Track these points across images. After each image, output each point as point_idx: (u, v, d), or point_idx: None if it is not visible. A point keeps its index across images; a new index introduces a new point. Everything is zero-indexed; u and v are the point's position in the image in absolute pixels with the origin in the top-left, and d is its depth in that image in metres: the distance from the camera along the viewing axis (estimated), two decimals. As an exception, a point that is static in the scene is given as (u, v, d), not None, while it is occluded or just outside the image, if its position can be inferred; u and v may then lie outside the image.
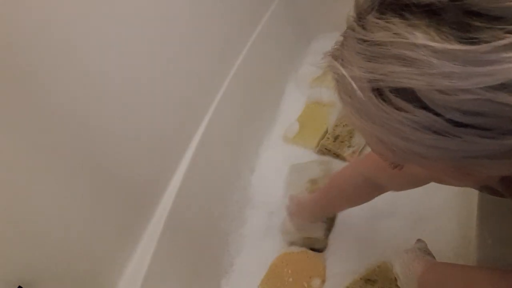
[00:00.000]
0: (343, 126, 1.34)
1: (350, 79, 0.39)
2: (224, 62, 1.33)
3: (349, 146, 1.31)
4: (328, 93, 1.50)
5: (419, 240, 0.83)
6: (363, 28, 0.39)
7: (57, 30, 0.77)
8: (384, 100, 0.38)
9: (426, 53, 0.35)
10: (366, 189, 0.89)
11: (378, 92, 0.38)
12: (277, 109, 1.57)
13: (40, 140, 0.75)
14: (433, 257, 0.77)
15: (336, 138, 1.33)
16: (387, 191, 0.87)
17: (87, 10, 0.83)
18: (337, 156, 1.32)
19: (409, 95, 0.36)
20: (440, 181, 0.57)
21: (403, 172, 0.50)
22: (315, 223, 1.14)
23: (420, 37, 0.35)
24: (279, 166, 1.37)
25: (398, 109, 0.37)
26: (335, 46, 0.44)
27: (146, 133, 1.00)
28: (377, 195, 0.91)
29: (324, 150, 1.33)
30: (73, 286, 0.82)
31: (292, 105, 1.55)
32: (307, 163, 1.34)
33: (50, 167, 0.77)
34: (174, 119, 1.10)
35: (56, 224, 0.78)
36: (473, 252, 0.72)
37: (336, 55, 0.43)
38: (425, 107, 0.36)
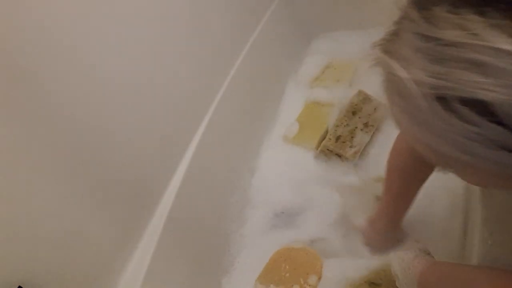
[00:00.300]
0: (344, 126, 1.34)
1: (409, 83, 0.34)
2: (224, 62, 1.33)
3: (350, 146, 1.31)
4: (327, 93, 1.50)
5: (417, 240, 0.82)
6: (428, 21, 0.33)
7: (58, 30, 0.78)
8: (449, 110, 0.33)
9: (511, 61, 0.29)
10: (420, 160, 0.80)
11: (443, 101, 0.33)
12: (277, 109, 1.57)
13: (40, 140, 0.75)
14: (432, 256, 0.77)
15: (337, 138, 1.32)
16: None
17: (87, 10, 0.84)
18: (339, 156, 1.31)
19: (482, 108, 0.31)
20: (478, 184, 0.52)
21: None
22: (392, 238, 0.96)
23: (505, 42, 0.29)
24: (279, 167, 1.37)
25: (466, 121, 0.32)
26: (387, 37, 0.38)
27: (146, 133, 1.00)
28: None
29: (325, 151, 1.33)
30: (73, 286, 0.81)
31: (292, 105, 1.55)
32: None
33: (50, 167, 0.77)
34: (174, 119, 1.10)
35: (56, 224, 0.78)
36: (473, 252, 0.71)
37: (389, 50, 0.37)
38: (500, 123, 0.31)
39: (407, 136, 0.41)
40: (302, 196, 1.27)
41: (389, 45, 0.37)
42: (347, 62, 1.60)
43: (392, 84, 0.37)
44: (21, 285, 0.70)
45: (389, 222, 0.93)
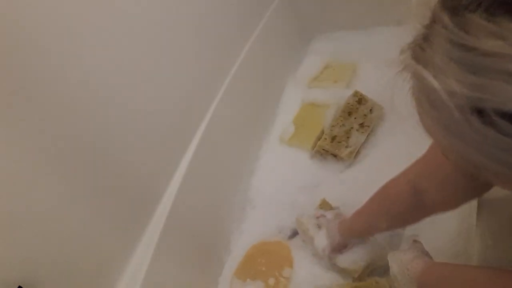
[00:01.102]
0: (340, 126, 1.35)
1: (443, 93, 0.33)
2: (223, 63, 1.33)
3: (346, 147, 1.32)
4: (324, 94, 1.51)
5: (415, 241, 0.83)
6: (463, 29, 0.32)
7: (58, 30, 0.77)
8: (486, 122, 0.31)
9: None
10: (410, 197, 0.77)
11: (479, 113, 0.31)
12: (276, 109, 1.58)
13: (41, 139, 0.75)
14: (430, 257, 0.77)
15: (333, 138, 1.33)
16: (429, 205, 0.76)
17: (88, 10, 0.83)
18: (334, 156, 1.32)
19: None
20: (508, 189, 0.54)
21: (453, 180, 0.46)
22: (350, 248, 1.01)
23: None
24: (278, 167, 1.38)
25: (504, 134, 0.31)
26: (417, 42, 0.37)
27: (146, 134, 1.00)
28: (420, 214, 0.81)
29: (321, 151, 1.34)
30: (73, 285, 0.81)
31: (290, 105, 1.56)
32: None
33: (50, 166, 0.77)
34: (174, 120, 1.10)
35: (56, 224, 0.78)
36: (473, 252, 0.72)
37: (420, 57, 0.36)
38: None
39: (437, 144, 0.40)
40: (300, 196, 1.28)
41: (420, 52, 0.36)
42: (346, 63, 1.61)
43: (423, 93, 0.36)
44: (21, 285, 0.69)
45: (347, 231, 0.99)
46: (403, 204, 0.80)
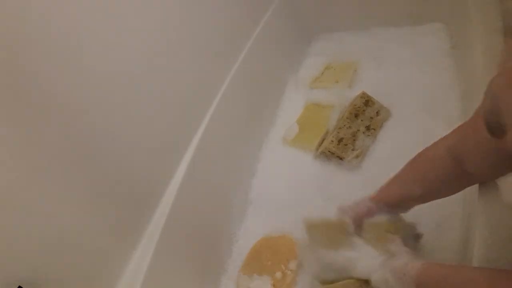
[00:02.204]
0: (347, 128, 1.34)
1: None
2: (223, 63, 1.33)
3: (352, 149, 1.30)
4: (326, 94, 1.50)
5: (394, 242, 0.80)
6: None
7: (59, 30, 0.78)
8: None
9: None
10: (447, 162, 0.74)
11: None
12: (277, 110, 1.57)
13: (42, 140, 0.76)
14: (421, 259, 0.75)
15: (340, 141, 1.32)
16: (467, 172, 0.73)
17: (88, 11, 0.84)
18: (340, 159, 1.31)
19: None
20: None
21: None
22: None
23: None
24: (279, 168, 1.38)
25: None
26: None
27: (146, 134, 1.00)
28: (457, 182, 0.77)
29: (327, 153, 1.33)
30: (73, 286, 0.81)
31: (292, 106, 1.56)
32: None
33: (50, 167, 0.77)
34: (174, 120, 1.10)
35: (56, 224, 0.78)
36: (473, 252, 0.71)
37: None
38: None
39: None
40: (302, 197, 1.27)
41: None
42: (347, 63, 1.60)
43: None
44: (21, 285, 0.70)
45: (382, 194, 0.90)
46: (440, 169, 0.77)
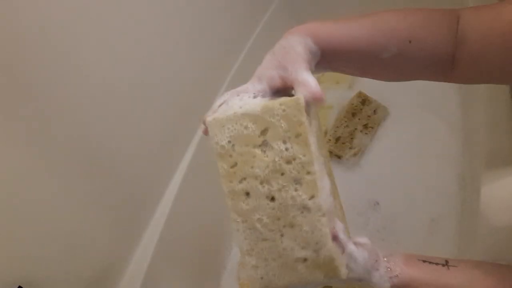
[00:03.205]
0: (344, 127, 1.35)
1: None
2: (223, 63, 1.33)
3: (350, 148, 1.31)
4: (326, 95, 1.49)
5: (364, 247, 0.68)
6: None
7: (59, 31, 0.77)
8: None
9: None
10: (401, 22, 0.61)
11: None
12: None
13: (42, 140, 0.75)
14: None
15: (337, 139, 1.33)
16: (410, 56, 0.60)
17: (87, 11, 0.83)
18: (338, 157, 1.32)
19: None
20: None
21: None
22: None
23: None
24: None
25: None
26: None
27: (146, 134, 1.00)
28: (397, 64, 0.62)
29: (325, 152, 1.33)
30: (73, 286, 0.81)
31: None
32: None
33: (50, 167, 0.77)
34: (174, 120, 1.10)
35: (56, 224, 0.78)
36: (474, 249, 0.71)
37: None
38: None
39: None
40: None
41: None
42: (347, 63, 1.60)
43: None
44: (21, 285, 0.70)
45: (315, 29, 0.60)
46: (394, 23, 0.60)
